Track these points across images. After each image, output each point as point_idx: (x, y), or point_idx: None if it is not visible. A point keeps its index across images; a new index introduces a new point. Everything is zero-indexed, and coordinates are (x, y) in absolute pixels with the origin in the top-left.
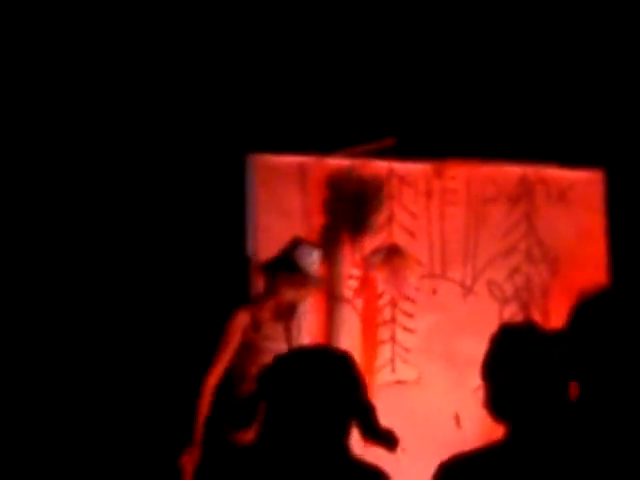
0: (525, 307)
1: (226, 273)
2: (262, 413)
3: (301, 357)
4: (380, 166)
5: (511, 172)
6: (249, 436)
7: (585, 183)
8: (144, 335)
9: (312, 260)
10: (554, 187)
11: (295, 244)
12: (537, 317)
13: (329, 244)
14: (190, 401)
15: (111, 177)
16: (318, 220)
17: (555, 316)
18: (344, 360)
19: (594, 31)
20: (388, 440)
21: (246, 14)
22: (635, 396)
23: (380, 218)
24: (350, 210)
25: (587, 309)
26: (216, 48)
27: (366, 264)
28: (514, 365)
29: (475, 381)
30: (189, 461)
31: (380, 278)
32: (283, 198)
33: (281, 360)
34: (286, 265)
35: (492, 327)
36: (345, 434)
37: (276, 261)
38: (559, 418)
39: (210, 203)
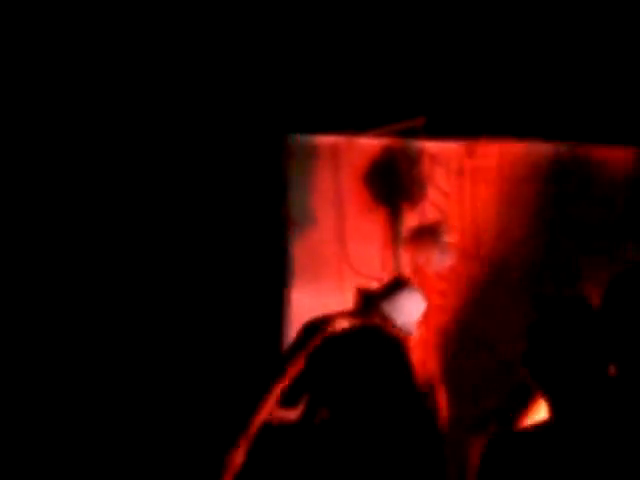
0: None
1: (261, 253)
2: (309, 393)
3: (351, 339)
4: (412, 145)
5: (544, 150)
6: (293, 415)
7: (619, 162)
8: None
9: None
10: (587, 166)
11: (401, 284)
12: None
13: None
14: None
15: (152, 158)
16: (352, 200)
17: (588, 294)
18: (394, 344)
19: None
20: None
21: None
22: None
23: (414, 197)
24: (384, 188)
25: (621, 286)
26: (249, 34)
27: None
28: (560, 339)
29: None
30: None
31: (415, 257)
32: (316, 177)
33: (331, 340)
34: (387, 306)
35: (525, 306)
36: (391, 419)
37: (380, 294)
38: (602, 397)
39: (246, 184)
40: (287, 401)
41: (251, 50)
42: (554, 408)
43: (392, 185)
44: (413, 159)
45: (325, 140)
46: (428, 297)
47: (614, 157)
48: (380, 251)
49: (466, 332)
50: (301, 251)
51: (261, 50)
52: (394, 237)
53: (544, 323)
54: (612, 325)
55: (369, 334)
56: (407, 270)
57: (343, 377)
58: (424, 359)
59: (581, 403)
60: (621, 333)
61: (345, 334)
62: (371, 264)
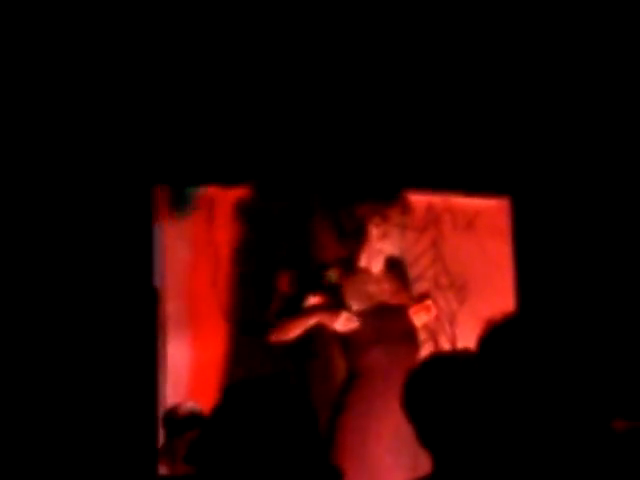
0: (433, 335)
1: (134, 303)
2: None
3: (252, 387)
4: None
5: (417, 201)
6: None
7: (491, 211)
8: (48, 367)
9: None
10: (461, 215)
11: None
12: (445, 345)
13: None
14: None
15: (17, 204)
16: (225, 250)
17: (463, 344)
18: (296, 394)
19: (497, 61)
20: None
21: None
22: (543, 422)
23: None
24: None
25: (494, 337)
26: (123, 81)
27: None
28: (442, 396)
29: None
30: None
31: None
32: (190, 229)
33: (231, 389)
34: None
35: None
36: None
37: None
38: (483, 453)
39: (118, 235)
40: (189, 457)
41: (121, 99)
42: (435, 463)
43: (265, 233)
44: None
45: (197, 191)
46: None
47: (487, 206)
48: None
49: None
50: (176, 302)
51: (131, 99)
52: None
53: (423, 377)
54: (485, 374)
55: (270, 383)
56: None
57: (244, 429)
58: None
59: (461, 459)
60: (493, 382)
61: (244, 384)
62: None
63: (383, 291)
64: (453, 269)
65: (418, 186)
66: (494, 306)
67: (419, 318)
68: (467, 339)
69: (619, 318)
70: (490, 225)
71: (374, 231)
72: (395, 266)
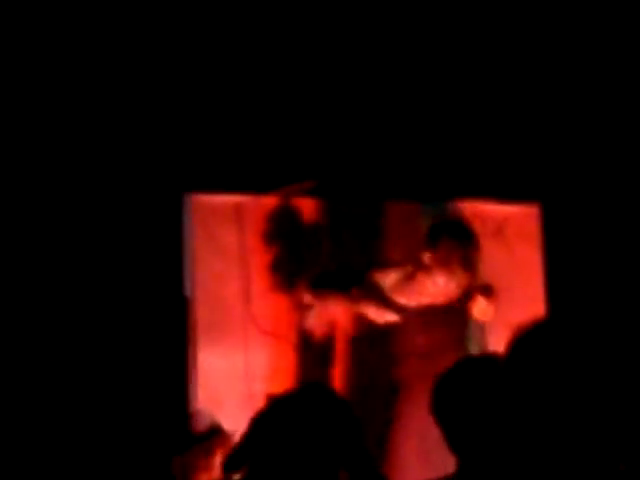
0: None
1: (164, 312)
2: (252, 456)
3: (296, 401)
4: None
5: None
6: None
7: (521, 217)
8: (78, 374)
9: None
10: (490, 222)
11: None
12: (475, 352)
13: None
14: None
15: (48, 212)
16: (256, 258)
17: (494, 351)
18: (340, 405)
19: (526, 62)
20: None
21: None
22: (571, 430)
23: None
24: (288, 247)
25: (523, 342)
26: (151, 88)
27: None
28: (471, 400)
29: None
30: None
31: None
32: (220, 237)
33: (276, 403)
34: None
35: None
36: None
37: None
38: (507, 456)
39: (148, 243)
40: (230, 465)
41: (155, 106)
42: (460, 463)
43: (296, 244)
44: (316, 218)
45: (228, 199)
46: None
47: (516, 212)
48: (286, 310)
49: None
50: (206, 311)
51: (166, 107)
52: (299, 296)
53: (452, 381)
54: (515, 380)
55: (314, 394)
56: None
57: (287, 440)
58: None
59: (486, 462)
60: (523, 388)
61: (289, 395)
62: (277, 323)
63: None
64: (483, 276)
65: (448, 193)
66: (524, 312)
67: (480, 309)
68: (497, 346)
69: None
70: (519, 231)
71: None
72: None
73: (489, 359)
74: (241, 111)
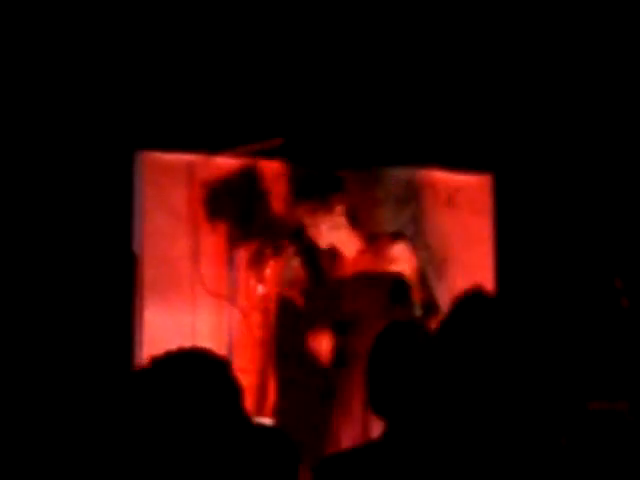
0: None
1: (112, 269)
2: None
3: (173, 363)
4: (269, 166)
5: (399, 175)
6: None
7: (473, 187)
8: (27, 336)
9: None
10: (442, 191)
11: None
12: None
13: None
14: None
15: None
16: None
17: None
18: (220, 367)
19: (480, 38)
20: None
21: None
22: (511, 397)
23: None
24: (237, 209)
25: (461, 307)
26: (108, 47)
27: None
28: (397, 363)
29: None
30: None
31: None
32: (170, 196)
33: (154, 364)
34: None
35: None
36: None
37: None
38: (436, 417)
39: (97, 199)
40: None
41: (110, 65)
42: (388, 429)
43: (244, 204)
44: (266, 178)
45: (179, 158)
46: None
47: (468, 182)
48: (231, 271)
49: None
50: (154, 269)
51: (121, 65)
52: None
53: (381, 347)
54: (448, 349)
55: (192, 357)
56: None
57: (166, 403)
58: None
59: (413, 425)
60: (456, 356)
61: (168, 358)
62: (222, 284)
63: None
64: (433, 244)
65: (399, 160)
66: (473, 281)
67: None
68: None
69: (596, 297)
70: (471, 201)
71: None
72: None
73: (416, 324)
74: (198, 69)
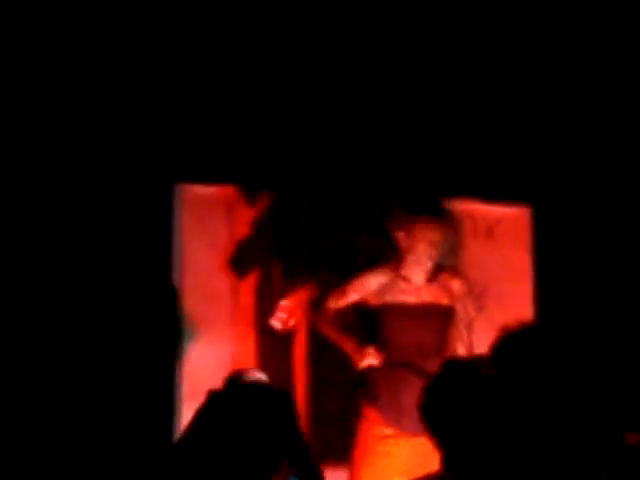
0: (451, 342)
1: (152, 303)
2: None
3: (237, 394)
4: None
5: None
6: None
7: (512, 219)
8: (65, 366)
9: None
10: (481, 222)
11: None
12: (462, 352)
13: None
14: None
15: (35, 201)
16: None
17: (479, 352)
18: (282, 398)
19: (522, 69)
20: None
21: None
22: (557, 430)
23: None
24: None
25: (507, 345)
26: (152, 81)
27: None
28: (457, 401)
29: None
30: None
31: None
32: (210, 229)
33: (216, 396)
34: None
35: None
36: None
37: None
38: (493, 454)
39: (137, 232)
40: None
41: (147, 97)
42: (446, 462)
43: (286, 237)
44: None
45: (219, 191)
46: None
47: (508, 214)
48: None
49: None
50: (194, 302)
51: (153, 98)
52: (287, 288)
53: (442, 382)
54: (499, 380)
55: (256, 389)
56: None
57: (228, 433)
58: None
59: (472, 459)
60: (507, 389)
61: (231, 389)
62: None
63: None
64: (472, 276)
65: (440, 193)
66: (512, 315)
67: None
68: (484, 347)
69: (637, 333)
70: (510, 233)
71: (402, 243)
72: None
73: (474, 363)
74: (235, 104)
